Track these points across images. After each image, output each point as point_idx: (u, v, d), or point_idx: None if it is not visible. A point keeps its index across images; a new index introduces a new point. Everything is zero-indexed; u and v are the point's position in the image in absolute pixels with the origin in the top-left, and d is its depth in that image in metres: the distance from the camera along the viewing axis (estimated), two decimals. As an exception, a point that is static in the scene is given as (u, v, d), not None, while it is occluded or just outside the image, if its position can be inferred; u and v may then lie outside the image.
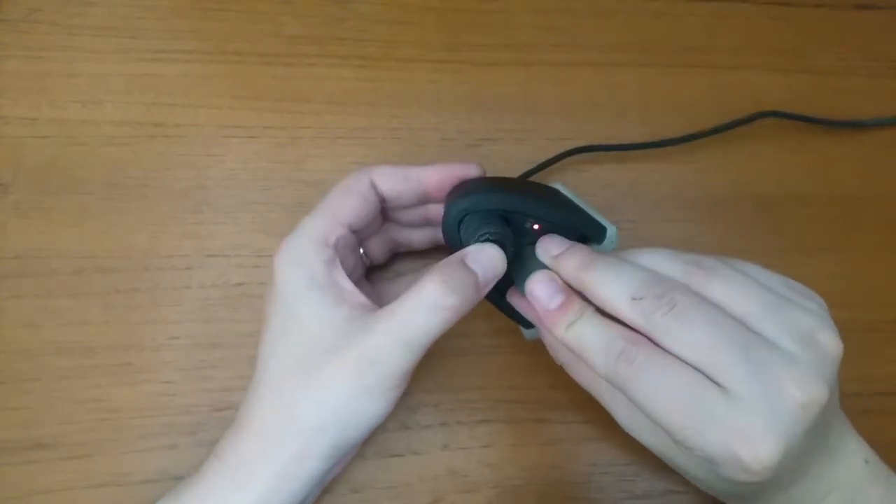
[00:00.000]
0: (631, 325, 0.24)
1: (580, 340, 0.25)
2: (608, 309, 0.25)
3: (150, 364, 0.32)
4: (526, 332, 0.30)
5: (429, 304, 0.25)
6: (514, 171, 0.35)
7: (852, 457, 0.27)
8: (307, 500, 0.27)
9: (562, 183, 0.30)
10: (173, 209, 0.34)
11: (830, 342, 0.23)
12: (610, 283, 0.25)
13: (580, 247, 0.27)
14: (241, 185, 0.35)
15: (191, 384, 0.32)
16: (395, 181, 0.28)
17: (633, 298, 0.24)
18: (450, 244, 0.28)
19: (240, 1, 0.38)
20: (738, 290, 0.24)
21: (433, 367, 0.33)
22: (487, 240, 0.26)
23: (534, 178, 0.35)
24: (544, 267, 0.27)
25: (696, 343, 0.23)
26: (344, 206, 0.28)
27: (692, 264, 0.25)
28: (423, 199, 0.30)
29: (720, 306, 0.24)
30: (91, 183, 0.34)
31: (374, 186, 0.28)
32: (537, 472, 0.32)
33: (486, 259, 0.26)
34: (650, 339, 0.24)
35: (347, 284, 0.27)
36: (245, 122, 0.36)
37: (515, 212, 0.27)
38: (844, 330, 0.24)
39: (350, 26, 0.38)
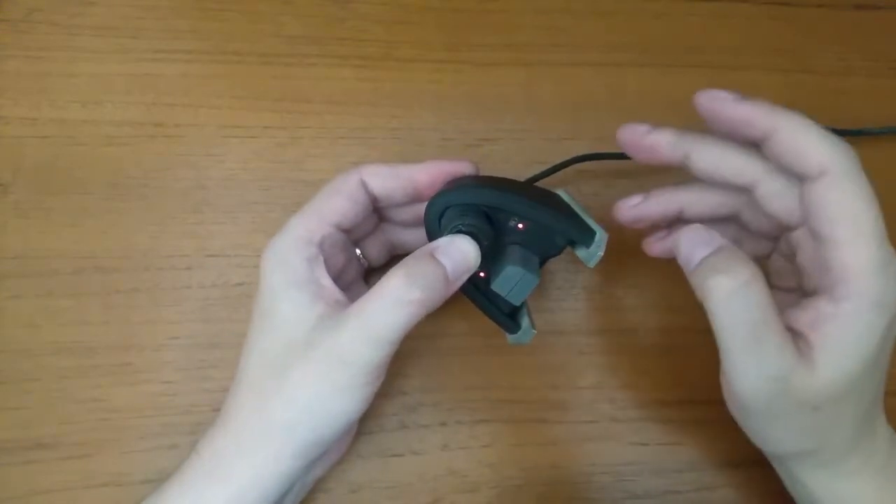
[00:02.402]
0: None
1: None
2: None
3: (150, 364, 0.32)
4: (510, 337, 0.29)
5: (392, 298, 0.24)
6: (513, 172, 0.35)
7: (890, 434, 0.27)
8: (286, 498, 0.27)
9: (565, 190, 0.29)
10: (173, 209, 0.34)
11: None
12: None
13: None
14: (241, 185, 0.35)
15: (191, 384, 0.32)
16: (385, 180, 0.28)
17: None
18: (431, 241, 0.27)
19: (240, 1, 0.38)
20: None
21: (433, 366, 0.33)
22: (460, 231, 0.25)
23: (538, 184, 0.35)
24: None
25: None
26: (330, 205, 0.27)
27: None
28: (416, 198, 0.29)
29: None
30: (91, 183, 0.34)
31: (364, 185, 0.28)
32: (537, 472, 0.32)
33: (456, 251, 0.25)
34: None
35: (327, 282, 0.26)
36: (245, 122, 0.36)
37: (498, 208, 0.26)
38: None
39: (350, 26, 0.38)
